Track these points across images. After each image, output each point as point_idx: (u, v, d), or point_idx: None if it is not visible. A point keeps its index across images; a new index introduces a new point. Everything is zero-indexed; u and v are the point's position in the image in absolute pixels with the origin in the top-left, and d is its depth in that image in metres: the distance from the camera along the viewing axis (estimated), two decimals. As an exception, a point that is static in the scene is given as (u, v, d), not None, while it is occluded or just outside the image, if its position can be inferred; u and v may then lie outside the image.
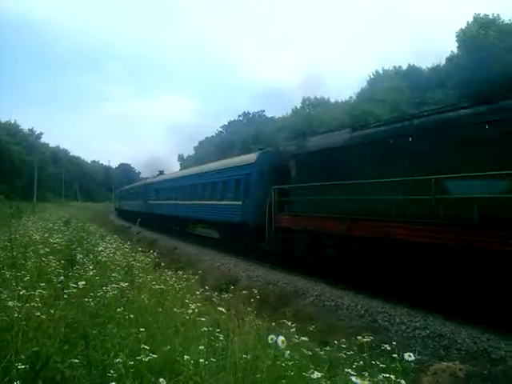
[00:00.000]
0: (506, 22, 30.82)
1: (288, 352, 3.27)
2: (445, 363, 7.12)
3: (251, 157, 21.22)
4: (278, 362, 3.75)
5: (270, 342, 2.90)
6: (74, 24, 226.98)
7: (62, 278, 5.41)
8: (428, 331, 9.18)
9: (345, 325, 10.08)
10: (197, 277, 8.90)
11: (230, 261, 18.79)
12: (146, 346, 3.32)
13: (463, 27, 31.80)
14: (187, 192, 29.14)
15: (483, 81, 26.34)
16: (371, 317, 10.50)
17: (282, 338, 2.87)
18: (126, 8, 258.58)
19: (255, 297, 7.14)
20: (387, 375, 3.16)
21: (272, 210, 16.91)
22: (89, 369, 3.27)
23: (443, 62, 34.08)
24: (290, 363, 3.87)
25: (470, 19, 31.76)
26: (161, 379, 2.79)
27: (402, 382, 3.09)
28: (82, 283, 4.83)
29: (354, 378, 2.69)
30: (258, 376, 3.56)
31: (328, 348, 5.48)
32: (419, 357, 7.59)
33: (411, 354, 3.16)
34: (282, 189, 16.94)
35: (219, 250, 22.11)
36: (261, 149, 21.82)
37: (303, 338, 4.89)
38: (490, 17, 31.23)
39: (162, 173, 44.56)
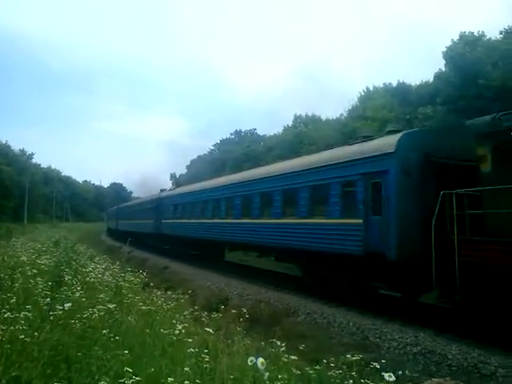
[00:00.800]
0: (492, 38, 31.41)
1: (267, 374, 3.23)
2: (435, 379, 7.05)
3: (385, 143, 12.57)
4: (268, 382, 3.73)
5: (249, 363, 2.86)
6: (66, 43, 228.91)
7: (48, 299, 5.35)
8: (419, 347, 9.16)
9: (336, 342, 10.03)
10: (186, 296, 8.84)
11: (220, 280, 18.66)
12: (129, 369, 3.29)
13: (449, 44, 32.30)
14: (232, 207, 20.81)
15: (472, 97, 26.72)
16: (363, 334, 10.46)
17: (261, 359, 2.83)
18: (119, 28, 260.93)
19: (245, 316, 7.09)
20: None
21: (453, 233, 9.89)
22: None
23: (431, 79, 34.62)
24: (279, 383, 3.85)
25: (456, 37, 32.42)
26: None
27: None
28: (68, 305, 4.78)
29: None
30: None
31: (318, 367, 5.45)
32: (410, 373, 7.55)
33: (391, 375, 3.14)
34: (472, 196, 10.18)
35: (212, 269, 21.93)
36: (394, 131, 13.90)
37: (292, 357, 4.87)
38: (476, 34, 31.80)
39: (179, 186, 36.64)
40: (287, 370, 4.60)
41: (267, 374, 3.25)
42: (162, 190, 38.76)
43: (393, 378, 3.19)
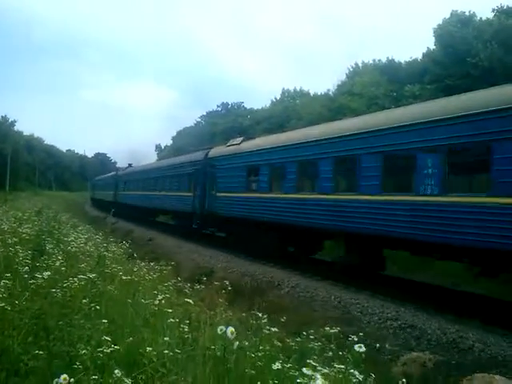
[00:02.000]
0: (483, 18, 31.21)
1: (237, 343, 3.28)
2: (415, 353, 7.22)
3: None
4: (248, 353, 3.75)
5: (219, 332, 2.93)
6: (50, 8, 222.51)
7: (26, 268, 5.28)
8: (399, 322, 9.31)
9: (319, 316, 10.14)
10: (170, 268, 8.80)
11: (206, 252, 18.69)
12: (108, 338, 3.26)
13: (440, 23, 32.05)
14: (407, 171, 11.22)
15: (459, 76, 26.68)
16: (345, 308, 10.59)
17: (231, 328, 2.91)
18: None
19: (228, 288, 7.10)
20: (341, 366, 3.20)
21: None
22: (51, 360, 3.20)
23: (420, 56, 34.46)
24: (260, 354, 3.87)
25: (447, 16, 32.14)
26: (116, 371, 2.74)
27: (355, 372, 3.14)
28: (47, 274, 4.72)
29: (304, 370, 2.71)
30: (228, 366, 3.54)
31: (299, 339, 5.50)
32: (390, 347, 7.70)
33: (362, 346, 3.24)
34: None
35: (197, 242, 21.88)
36: None
37: (274, 329, 4.90)
38: (467, 14, 31.57)
39: (249, 138, 20.66)
40: (269, 342, 4.63)
41: (237, 343, 3.30)
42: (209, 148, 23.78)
43: (363, 349, 3.29)
